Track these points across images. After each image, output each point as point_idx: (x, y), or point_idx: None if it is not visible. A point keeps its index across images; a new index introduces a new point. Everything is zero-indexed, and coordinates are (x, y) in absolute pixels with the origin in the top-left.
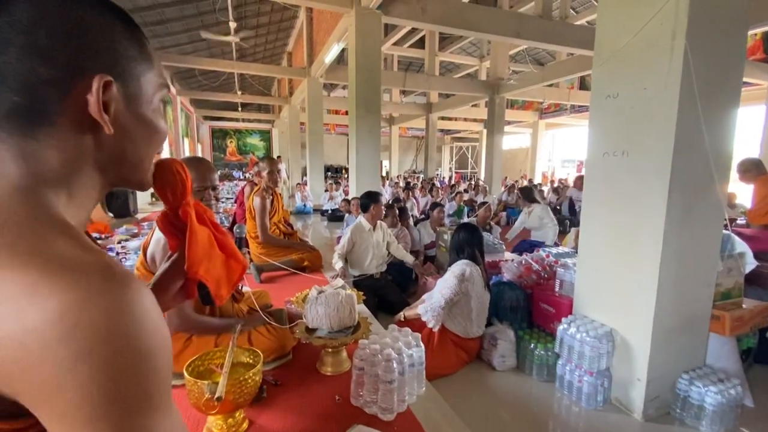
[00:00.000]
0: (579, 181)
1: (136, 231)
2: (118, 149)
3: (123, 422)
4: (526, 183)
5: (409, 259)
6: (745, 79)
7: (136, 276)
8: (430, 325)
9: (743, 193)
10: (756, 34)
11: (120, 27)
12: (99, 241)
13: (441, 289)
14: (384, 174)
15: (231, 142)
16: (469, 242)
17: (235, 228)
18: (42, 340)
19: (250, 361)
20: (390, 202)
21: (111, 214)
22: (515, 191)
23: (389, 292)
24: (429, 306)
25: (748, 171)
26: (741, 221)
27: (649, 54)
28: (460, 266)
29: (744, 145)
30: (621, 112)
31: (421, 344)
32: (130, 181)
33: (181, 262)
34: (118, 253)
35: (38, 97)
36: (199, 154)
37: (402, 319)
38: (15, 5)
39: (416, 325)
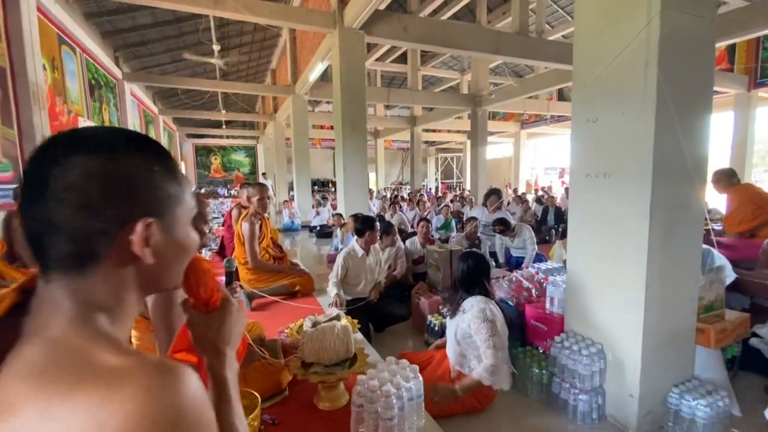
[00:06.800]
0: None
1: None
2: (156, 271)
3: None
4: (510, 191)
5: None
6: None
7: (176, 365)
8: (496, 387)
9: (715, 200)
10: (721, 46)
11: (159, 170)
12: None
13: (483, 344)
14: (371, 188)
15: (215, 159)
16: (478, 274)
17: (224, 262)
18: None
19: (247, 403)
20: (376, 215)
21: None
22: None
23: (388, 307)
24: (486, 368)
25: (719, 181)
26: (717, 227)
27: (625, 81)
28: (479, 307)
29: (714, 151)
30: (601, 135)
31: (419, 376)
32: (165, 289)
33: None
34: None
35: (89, 245)
36: (183, 172)
37: (460, 395)
38: (68, 169)
39: (419, 358)
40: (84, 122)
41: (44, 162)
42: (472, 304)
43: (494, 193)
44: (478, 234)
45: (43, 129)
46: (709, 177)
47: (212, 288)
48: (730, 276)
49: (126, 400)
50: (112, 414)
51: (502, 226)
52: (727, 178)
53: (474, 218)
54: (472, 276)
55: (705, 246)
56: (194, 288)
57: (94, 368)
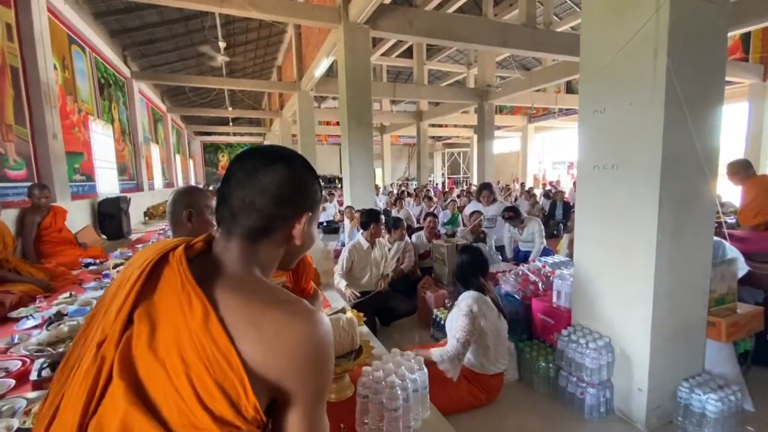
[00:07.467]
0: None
1: (131, 254)
2: (294, 252)
3: (323, 403)
4: (517, 186)
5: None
6: (726, 78)
7: (321, 312)
8: (448, 375)
9: (729, 192)
10: (735, 35)
11: (317, 182)
12: (94, 267)
13: (453, 332)
14: (377, 184)
15: (223, 155)
16: (473, 270)
17: None
18: (297, 356)
19: None
20: (383, 210)
21: (104, 237)
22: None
23: (394, 301)
24: (444, 352)
25: (736, 173)
26: (731, 220)
27: (633, 70)
28: (467, 302)
29: (728, 142)
30: (609, 126)
31: (424, 367)
32: (288, 267)
33: None
34: (113, 279)
35: (271, 224)
36: (192, 170)
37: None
38: (273, 172)
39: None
40: (94, 121)
41: (256, 163)
42: (464, 299)
43: (486, 188)
44: (482, 228)
45: (54, 128)
46: (722, 169)
47: (310, 279)
48: (742, 269)
49: (300, 325)
50: (293, 332)
51: (512, 213)
52: (743, 170)
53: (478, 212)
54: (466, 271)
55: (716, 238)
56: (299, 276)
57: (277, 299)
